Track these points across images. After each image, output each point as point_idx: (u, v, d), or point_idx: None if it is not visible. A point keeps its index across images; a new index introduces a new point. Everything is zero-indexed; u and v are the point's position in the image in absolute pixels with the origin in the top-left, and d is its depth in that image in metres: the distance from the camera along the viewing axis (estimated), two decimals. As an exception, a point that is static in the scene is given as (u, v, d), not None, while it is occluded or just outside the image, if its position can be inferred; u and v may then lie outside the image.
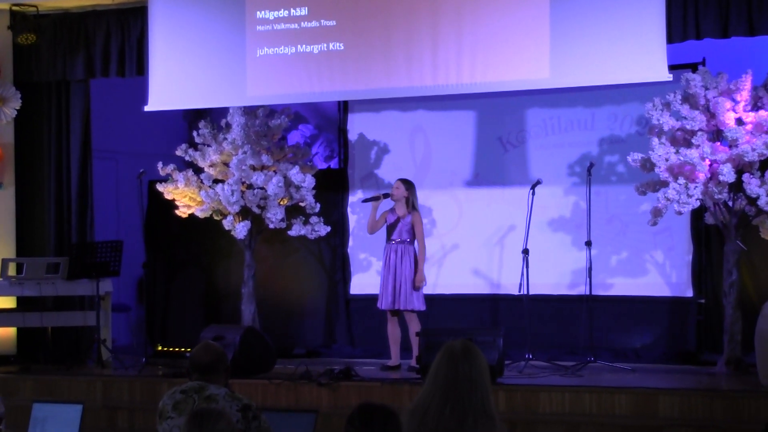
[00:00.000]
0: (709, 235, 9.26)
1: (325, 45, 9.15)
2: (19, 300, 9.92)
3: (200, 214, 9.75)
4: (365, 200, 9.24)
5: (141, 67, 9.81)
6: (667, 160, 8.28)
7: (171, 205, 9.88)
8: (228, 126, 9.79)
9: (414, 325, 8.87)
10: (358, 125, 10.46)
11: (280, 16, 9.31)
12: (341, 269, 10.37)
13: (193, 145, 9.94)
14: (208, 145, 9.82)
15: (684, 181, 8.19)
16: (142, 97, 9.74)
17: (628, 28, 8.29)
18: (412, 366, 8.66)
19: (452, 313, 9.86)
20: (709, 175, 8.23)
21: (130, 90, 10.56)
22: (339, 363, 9.07)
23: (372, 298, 9.22)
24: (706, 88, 8.32)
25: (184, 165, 9.98)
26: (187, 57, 9.53)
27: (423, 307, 8.95)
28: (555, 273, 9.60)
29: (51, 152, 10.29)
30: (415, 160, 10.21)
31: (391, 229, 9.01)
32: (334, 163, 11.17)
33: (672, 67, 8.29)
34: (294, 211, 9.78)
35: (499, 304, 9.82)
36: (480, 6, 8.69)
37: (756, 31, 8.28)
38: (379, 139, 10.37)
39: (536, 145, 9.86)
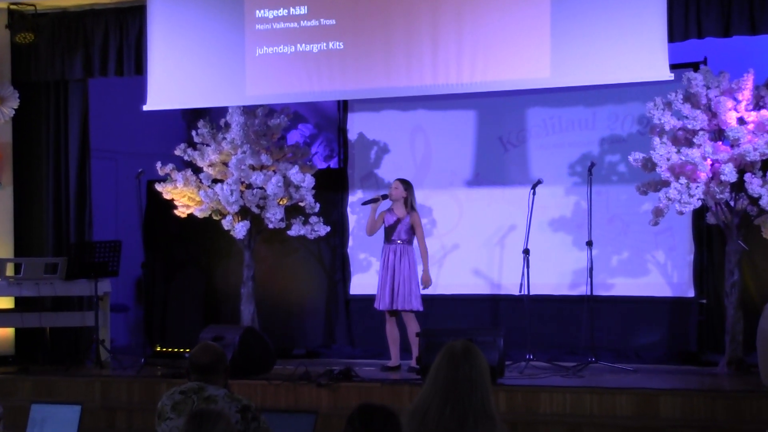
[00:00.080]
0: (710, 235, 9.26)
1: (324, 44, 9.13)
2: (18, 300, 9.91)
3: (199, 214, 9.73)
4: (365, 203, 9.21)
5: (139, 67, 9.79)
6: (668, 159, 8.27)
7: (170, 204, 9.86)
8: (227, 125, 9.78)
9: (412, 326, 8.86)
10: (357, 125, 10.45)
11: (280, 15, 9.28)
12: (341, 269, 10.36)
13: (192, 145, 9.92)
14: (207, 145, 9.80)
15: (685, 180, 8.18)
16: (141, 96, 9.71)
17: (629, 27, 8.27)
18: (412, 367, 8.65)
19: (452, 314, 9.86)
20: (710, 175, 8.23)
21: (129, 89, 10.56)
22: (339, 363, 9.06)
23: (372, 299, 9.18)
24: (708, 88, 8.31)
25: (183, 165, 9.96)
26: (185, 56, 9.50)
27: (421, 308, 8.93)
28: (556, 273, 9.59)
29: (49, 152, 10.28)
30: (415, 160, 10.20)
31: (390, 229, 8.98)
32: (333, 163, 11.16)
33: (673, 66, 8.27)
34: (293, 210, 9.77)
35: (499, 305, 9.81)
36: (480, 5, 8.67)
37: (758, 30, 8.27)
38: (379, 139, 10.36)
39: (537, 144, 9.85)
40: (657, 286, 9.43)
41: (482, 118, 10.05)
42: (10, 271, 9.71)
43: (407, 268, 8.87)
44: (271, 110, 9.92)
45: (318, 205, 9.71)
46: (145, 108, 9.67)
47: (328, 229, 9.77)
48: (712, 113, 8.28)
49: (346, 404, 7.88)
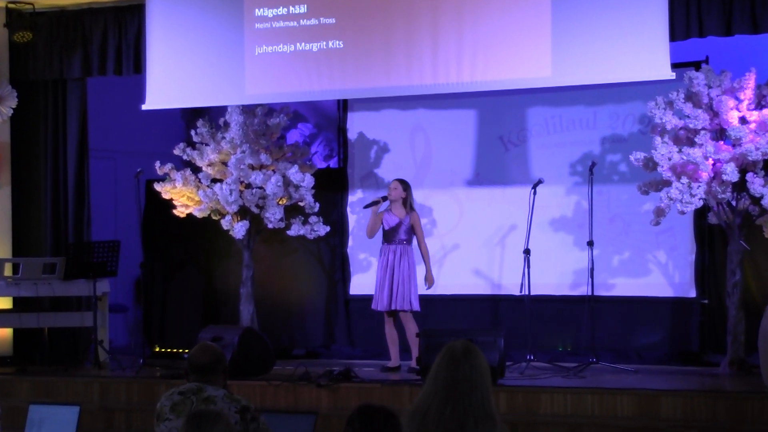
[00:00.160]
0: (712, 235, 9.24)
1: (324, 43, 9.11)
2: (16, 300, 9.90)
3: (198, 214, 9.71)
4: (366, 206, 9.15)
5: (138, 66, 9.77)
6: (669, 159, 8.26)
7: (169, 204, 9.84)
8: (226, 125, 9.76)
9: (411, 326, 8.85)
10: (357, 124, 10.43)
11: (279, 13, 9.26)
12: (341, 269, 10.34)
13: (191, 144, 9.90)
14: (206, 144, 9.78)
15: (687, 180, 8.17)
16: (140, 95, 9.70)
17: (631, 26, 8.25)
18: (412, 367, 8.63)
19: (453, 314, 9.84)
20: (712, 175, 8.21)
21: (128, 88, 10.54)
22: (338, 364, 9.05)
23: (372, 299, 9.15)
24: (710, 87, 8.29)
25: (182, 164, 9.95)
26: (184, 55, 9.48)
27: (419, 308, 8.93)
28: (556, 273, 9.57)
29: (48, 151, 10.26)
30: (416, 160, 10.18)
31: (390, 230, 8.96)
32: (333, 163, 11.14)
33: (675, 66, 8.26)
34: (293, 210, 9.75)
35: (500, 305, 9.79)
36: (481, 4, 8.66)
37: (760, 29, 8.26)
38: (378, 138, 10.35)
39: (537, 144, 9.84)
40: (658, 287, 9.41)
41: (483, 118, 10.02)
42: (8, 271, 9.69)
43: (407, 269, 8.85)
44: (270, 109, 9.91)
45: (318, 204, 9.69)
46: (144, 107, 9.66)
47: (328, 228, 9.75)
48: (714, 112, 8.27)
49: (345, 405, 7.86)
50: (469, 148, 10.04)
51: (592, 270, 8.78)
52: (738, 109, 8.21)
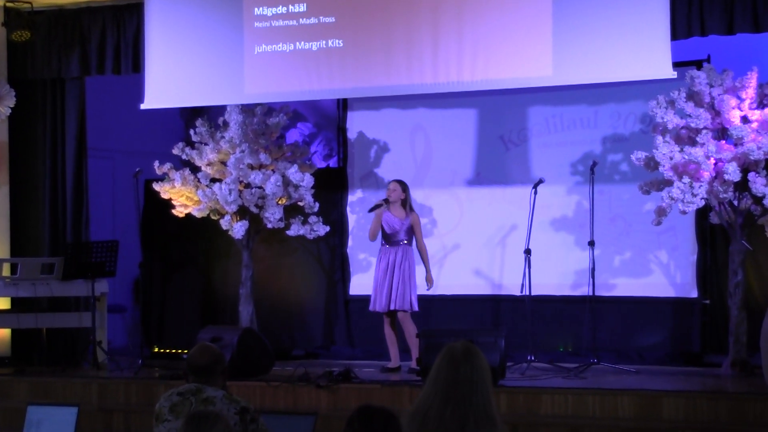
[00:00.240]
0: (714, 235, 9.23)
1: (324, 42, 9.09)
2: (14, 301, 9.87)
3: (197, 214, 9.70)
4: (371, 210, 9.08)
5: (137, 65, 9.75)
6: (671, 158, 8.24)
7: (167, 204, 9.82)
8: (225, 124, 9.75)
9: (410, 326, 8.83)
10: (357, 123, 10.42)
11: (279, 12, 9.25)
12: (340, 269, 10.33)
13: (190, 144, 9.88)
14: (206, 144, 9.76)
15: (688, 180, 8.15)
16: (138, 94, 9.68)
17: (632, 25, 8.23)
18: (412, 368, 8.61)
19: (453, 314, 9.83)
20: (714, 174, 8.19)
21: (126, 88, 10.51)
22: (338, 365, 9.02)
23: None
24: (711, 86, 8.28)
25: (181, 164, 9.94)
26: (183, 54, 9.47)
27: (418, 308, 8.91)
28: (557, 273, 9.55)
29: (46, 151, 10.24)
30: (416, 159, 10.17)
31: (392, 232, 8.92)
32: (333, 162, 11.12)
33: (676, 65, 8.24)
34: (292, 210, 9.74)
35: (500, 305, 9.78)
36: (481, 2, 8.65)
37: (761, 28, 8.23)
38: (378, 138, 10.34)
39: (538, 143, 9.82)
40: (660, 287, 9.40)
41: (483, 117, 10.01)
42: (6, 271, 9.66)
43: (407, 269, 8.84)
44: (270, 109, 9.90)
45: (317, 204, 9.67)
46: (143, 106, 9.64)
47: (328, 228, 9.74)
48: (716, 112, 8.25)
49: (345, 406, 7.82)
50: (469, 147, 10.03)
51: (593, 270, 8.76)
52: (740, 109, 8.20)
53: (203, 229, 10.07)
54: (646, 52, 8.19)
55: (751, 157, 8.03)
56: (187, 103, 10.15)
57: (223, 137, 9.65)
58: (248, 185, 9.54)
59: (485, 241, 9.87)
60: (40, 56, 10.09)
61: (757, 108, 8.23)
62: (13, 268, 9.62)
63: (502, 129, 9.93)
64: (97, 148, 10.74)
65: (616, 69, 8.32)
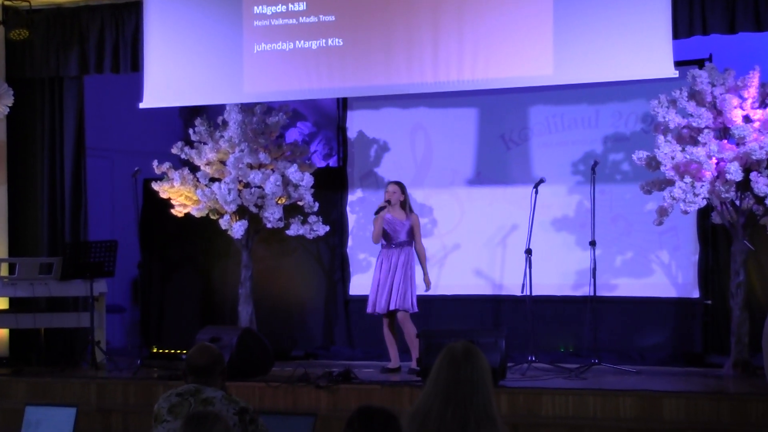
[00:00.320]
0: (715, 235, 9.23)
1: (323, 41, 9.07)
2: (12, 301, 9.85)
3: (196, 214, 9.68)
4: (377, 213, 9.03)
5: (136, 64, 9.72)
6: (673, 158, 8.23)
7: (166, 204, 9.81)
8: (225, 123, 9.74)
9: (410, 327, 8.81)
10: (357, 123, 10.40)
11: (278, 11, 9.23)
12: (340, 269, 10.31)
13: (189, 143, 9.87)
14: (205, 143, 9.75)
15: (690, 179, 8.14)
16: (137, 93, 9.65)
17: (634, 24, 8.21)
18: (412, 368, 8.58)
19: (453, 315, 9.82)
20: (715, 174, 8.17)
21: (125, 86, 10.52)
22: (338, 365, 9.03)
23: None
24: (713, 85, 8.27)
25: (180, 163, 9.94)
26: (182, 53, 9.44)
27: (417, 309, 8.89)
28: (558, 273, 9.53)
29: (44, 150, 10.21)
30: (416, 159, 10.15)
31: (394, 233, 8.89)
32: (332, 162, 11.10)
33: (678, 64, 8.21)
34: (292, 210, 9.72)
35: (501, 306, 9.77)
36: (482, 1, 8.62)
37: (763, 27, 8.22)
38: (378, 137, 10.32)
39: (539, 143, 9.81)
40: (661, 287, 9.39)
41: (484, 116, 10.00)
42: (4, 271, 9.67)
43: (409, 270, 8.82)
44: (269, 108, 9.89)
45: (317, 204, 9.65)
46: (142, 105, 9.61)
47: (327, 228, 9.72)
48: (718, 111, 8.23)
49: (345, 406, 7.80)
50: (470, 147, 10.01)
51: (594, 270, 8.75)
52: (742, 108, 8.19)
53: (202, 228, 10.04)
54: (648, 51, 8.16)
55: (753, 157, 8.01)
56: (186, 102, 10.13)
57: (222, 136, 9.63)
58: (247, 185, 9.52)
59: (486, 241, 9.85)
60: (39, 55, 10.07)
61: (759, 107, 8.21)
62: (12, 268, 9.60)
63: (502, 128, 9.91)
64: (95, 147, 10.73)
65: (618, 68, 8.30)
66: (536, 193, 8.89)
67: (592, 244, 8.79)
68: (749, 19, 8.17)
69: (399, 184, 9.01)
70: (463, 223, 9.97)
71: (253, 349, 8.59)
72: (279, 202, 9.57)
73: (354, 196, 10.31)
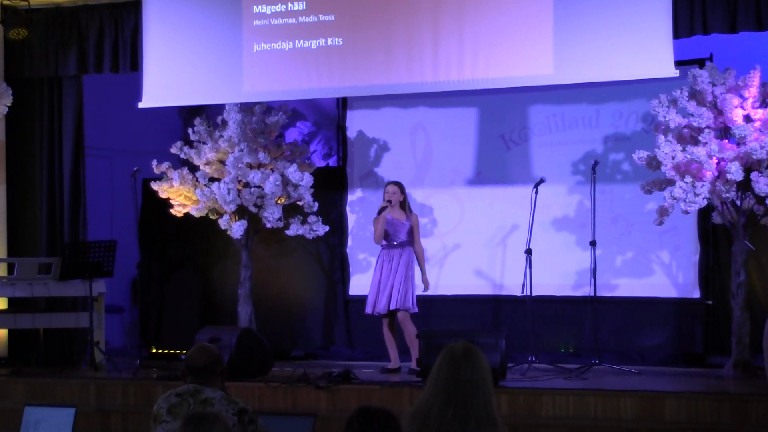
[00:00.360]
0: (716, 235, 9.21)
1: (323, 40, 9.06)
2: (11, 301, 9.84)
3: (196, 214, 9.67)
4: (379, 212, 9.00)
5: (135, 63, 9.71)
6: (673, 158, 8.21)
7: (166, 204, 9.79)
8: (224, 123, 9.72)
9: (410, 327, 8.79)
10: (357, 122, 10.38)
11: (278, 10, 9.22)
12: (340, 269, 10.29)
13: (189, 143, 9.85)
14: (204, 143, 9.73)
15: (691, 179, 8.13)
16: (136, 93, 9.63)
17: (634, 23, 8.20)
18: (412, 369, 8.56)
19: (453, 315, 9.80)
20: (716, 174, 8.16)
21: (124, 86, 10.50)
22: (338, 365, 9.02)
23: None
24: (714, 85, 8.25)
25: (179, 163, 9.93)
26: (182, 52, 9.43)
27: (417, 309, 8.88)
28: (559, 273, 9.51)
29: (43, 150, 10.20)
30: (416, 159, 10.14)
31: (395, 233, 8.88)
32: (332, 161, 11.09)
33: (678, 63, 8.20)
34: (292, 210, 9.70)
35: (501, 306, 9.75)
36: (482, 0, 8.59)
37: (764, 27, 8.21)
38: (378, 137, 10.30)
39: (539, 142, 9.79)
40: (662, 287, 9.37)
41: (484, 116, 9.98)
42: (3, 271, 9.68)
43: (409, 269, 8.82)
44: (268, 108, 9.88)
45: (317, 204, 9.64)
46: (141, 105, 9.60)
47: (327, 228, 9.70)
48: (718, 111, 8.21)
49: (345, 407, 7.78)
50: (470, 146, 9.99)
51: (594, 270, 8.75)
52: (742, 107, 8.17)
53: (202, 228, 10.03)
54: (648, 51, 8.15)
55: (754, 157, 7.99)
56: (185, 101, 10.12)
57: (221, 136, 9.62)
58: (247, 184, 9.50)
59: (486, 241, 9.83)
60: (38, 54, 10.05)
61: (760, 107, 8.20)
62: (10, 268, 9.59)
63: (502, 128, 9.90)
64: (94, 147, 10.73)
65: (618, 67, 8.29)
66: (536, 193, 8.87)
67: (593, 244, 8.78)
68: (750, 18, 8.16)
69: (398, 184, 8.99)
70: (463, 223, 9.94)
71: (252, 349, 8.58)
72: (278, 201, 9.55)
73: (354, 196, 10.28)
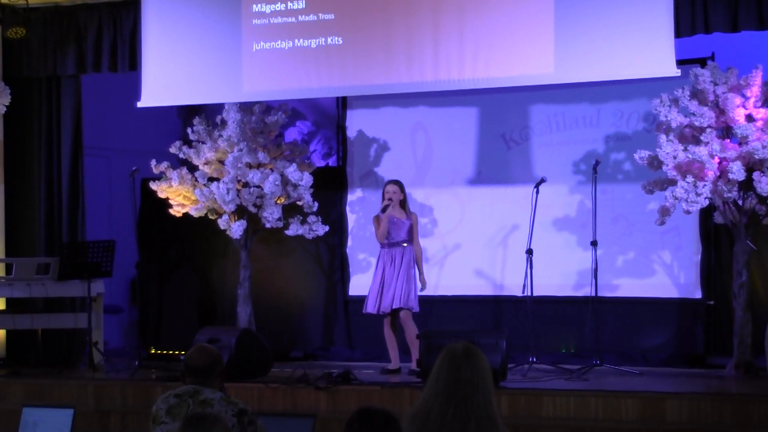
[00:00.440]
0: (718, 235, 9.20)
1: (323, 39, 9.04)
2: (9, 301, 9.81)
3: (195, 213, 9.65)
4: (383, 211, 8.96)
5: (133, 62, 9.69)
6: (675, 157, 8.20)
7: (165, 203, 9.78)
8: (223, 123, 9.71)
9: (411, 326, 8.77)
10: (357, 122, 10.37)
11: (277, 9, 9.20)
12: (340, 269, 10.28)
13: (188, 143, 9.84)
14: (203, 143, 9.72)
15: (692, 179, 8.11)
16: (135, 92, 9.62)
17: (635, 22, 8.18)
18: (412, 369, 8.54)
19: (454, 315, 9.80)
20: (718, 173, 8.14)
21: (123, 85, 10.51)
22: (337, 366, 9.01)
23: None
24: (716, 84, 8.23)
25: (178, 163, 9.93)
26: (181, 51, 9.41)
27: (418, 308, 8.87)
28: (559, 274, 9.50)
29: (41, 149, 10.17)
30: (416, 158, 10.13)
31: (396, 232, 8.86)
32: (332, 161, 11.09)
33: (680, 62, 8.18)
34: (291, 210, 9.69)
35: (502, 306, 9.74)
36: (482, -1, 8.57)
37: (766, 25, 8.20)
38: (378, 136, 10.29)
39: (540, 142, 9.78)
40: (663, 287, 9.35)
41: (484, 116, 9.96)
42: (1, 271, 9.66)
43: (411, 268, 8.80)
44: (268, 107, 9.87)
45: (316, 204, 9.62)
46: (140, 104, 9.59)
47: (327, 228, 9.68)
48: (720, 110, 8.20)
49: (344, 408, 7.76)
50: (470, 146, 9.98)
51: (595, 270, 8.73)
52: (744, 107, 8.16)
53: (201, 228, 10.01)
54: (650, 50, 8.13)
55: (756, 156, 7.97)
56: (184, 101, 10.12)
57: (220, 136, 9.60)
58: (246, 184, 9.48)
59: (486, 241, 9.81)
60: (36, 53, 10.02)
61: (762, 106, 8.18)
62: (8, 269, 9.58)
63: (503, 127, 9.88)
64: (93, 146, 10.71)
65: (619, 67, 8.27)
66: (537, 192, 8.86)
67: (594, 244, 8.76)
68: (752, 17, 8.14)
69: (398, 183, 8.97)
70: (463, 223, 9.93)
71: (251, 350, 8.56)
72: (278, 201, 9.52)
73: (354, 196, 10.27)
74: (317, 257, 10.32)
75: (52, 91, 10.15)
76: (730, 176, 7.97)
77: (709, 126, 8.16)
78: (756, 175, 8.01)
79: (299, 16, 9.10)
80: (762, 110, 8.12)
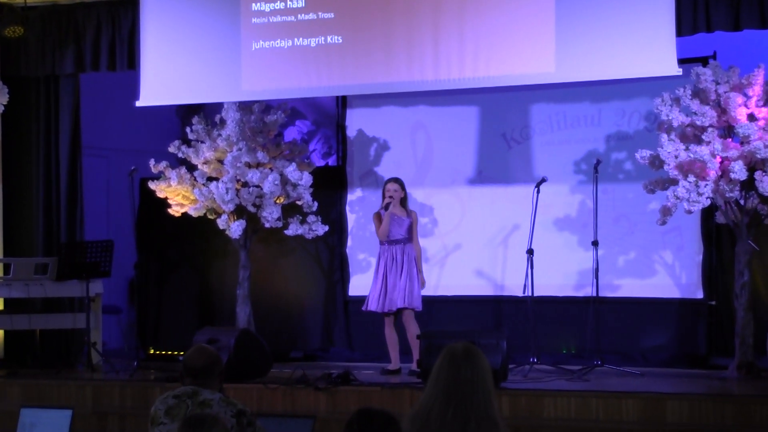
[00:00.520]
0: (720, 235, 9.19)
1: (322, 38, 9.03)
2: (7, 302, 9.80)
3: (194, 213, 9.65)
4: (385, 209, 8.93)
5: (132, 61, 9.68)
6: (676, 157, 8.19)
7: (163, 203, 9.77)
8: (222, 122, 9.71)
9: (413, 326, 8.76)
10: (356, 121, 10.36)
11: (277, 8, 9.19)
12: (339, 270, 10.26)
13: (187, 142, 9.83)
14: (202, 142, 9.71)
15: (694, 178, 8.10)
16: (134, 91, 9.61)
17: (637, 21, 8.18)
18: (413, 370, 8.54)
19: (454, 316, 9.78)
20: (720, 173, 8.13)
21: (121, 85, 10.52)
22: (337, 367, 9.01)
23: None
24: (717, 83, 8.22)
25: (177, 162, 9.93)
26: (179, 50, 9.40)
27: (421, 307, 8.86)
28: (560, 274, 9.49)
29: (39, 149, 10.16)
30: (416, 158, 10.12)
31: (397, 231, 8.84)
32: (332, 161, 11.10)
33: (681, 61, 8.17)
34: (291, 209, 9.69)
35: (502, 306, 9.72)
36: (483, -3, 8.56)
37: (768, 24, 8.14)
38: (378, 136, 10.28)
39: (541, 141, 9.77)
40: (664, 287, 9.34)
41: (485, 115, 9.96)
42: (-1, 271, 9.58)
43: (413, 267, 8.79)
44: (267, 106, 9.86)
45: (316, 203, 9.61)
46: (138, 104, 9.57)
47: (327, 228, 9.67)
48: (722, 109, 8.18)
49: (344, 409, 7.75)
50: (471, 145, 9.97)
51: (596, 270, 8.72)
52: (746, 106, 8.13)
53: (200, 228, 10.00)
54: (651, 49, 8.13)
55: (758, 156, 7.96)
56: (183, 100, 10.10)
57: (220, 135, 9.59)
58: (245, 184, 9.47)
59: (487, 241, 9.80)
60: (34, 52, 10.00)
61: (764, 105, 8.16)
62: (6, 269, 9.57)
63: (504, 127, 9.87)
64: (91, 146, 10.72)
65: (620, 66, 8.27)
66: (538, 192, 8.84)
67: (595, 244, 8.75)
68: (754, 16, 8.13)
69: (398, 180, 8.96)
70: (464, 222, 9.92)
71: (251, 350, 8.54)
72: (277, 201, 9.51)
73: (353, 196, 10.26)
74: (317, 257, 10.31)
75: (50, 91, 10.14)
76: (732, 176, 7.95)
77: (711, 125, 8.14)
78: (758, 174, 7.99)
79: (299, 15, 9.09)
80: (764, 109, 8.10)
